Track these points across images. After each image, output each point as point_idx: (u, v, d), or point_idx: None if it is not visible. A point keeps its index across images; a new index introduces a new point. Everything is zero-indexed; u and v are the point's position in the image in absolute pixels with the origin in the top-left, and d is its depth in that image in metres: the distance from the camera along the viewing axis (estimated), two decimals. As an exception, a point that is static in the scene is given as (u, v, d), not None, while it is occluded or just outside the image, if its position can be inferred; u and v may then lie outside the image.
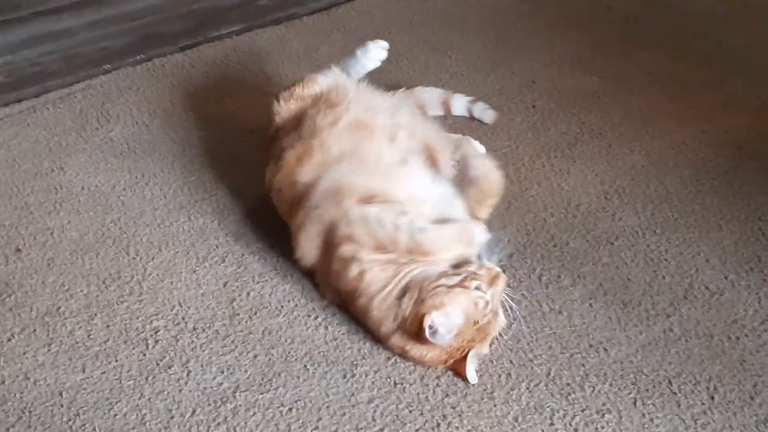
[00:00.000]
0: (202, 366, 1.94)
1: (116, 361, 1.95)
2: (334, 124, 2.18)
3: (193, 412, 1.85)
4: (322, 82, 2.36)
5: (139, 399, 1.87)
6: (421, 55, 3.05)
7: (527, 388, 1.92)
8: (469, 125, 2.69)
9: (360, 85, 2.39)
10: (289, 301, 2.09)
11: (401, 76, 2.92)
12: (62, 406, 1.85)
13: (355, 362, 1.96)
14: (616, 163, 2.56)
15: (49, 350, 1.97)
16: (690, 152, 2.60)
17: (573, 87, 2.89)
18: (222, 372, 1.93)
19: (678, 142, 2.64)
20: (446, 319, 1.88)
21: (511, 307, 1.98)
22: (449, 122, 2.69)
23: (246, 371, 1.93)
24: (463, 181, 2.16)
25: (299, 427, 1.82)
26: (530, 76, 2.94)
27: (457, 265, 1.97)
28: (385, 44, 2.52)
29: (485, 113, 2.71)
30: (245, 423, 1.83)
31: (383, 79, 2.84)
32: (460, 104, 2.72)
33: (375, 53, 2.52)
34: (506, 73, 2.96)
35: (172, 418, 1.84)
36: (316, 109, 2.24)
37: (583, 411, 1.87)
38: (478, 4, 3.41)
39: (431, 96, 2.71)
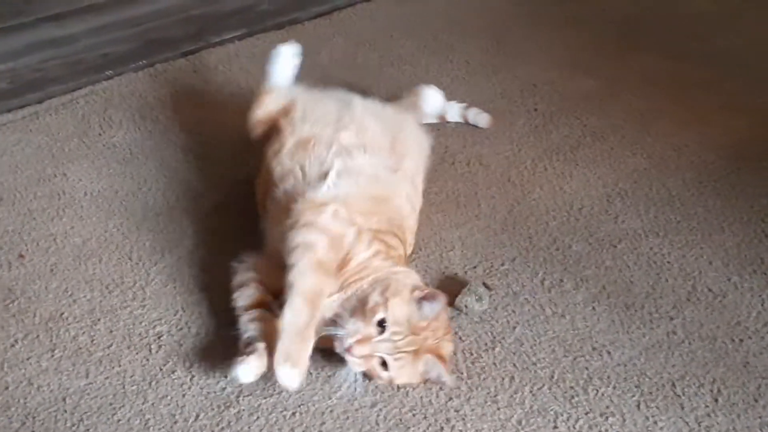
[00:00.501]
0: (205, 371, 1.94)
1: (119, 366, 1.95)
2: (277, 154, 2.19)
3: (197, 416, 1.85)
4: (270, 102, 2.35)
5: (143, 404, 1.87)
6: (423, 58, 3.05)
7: (530, 392, 1.92)
8: (466, 131, 2.69)
9: (307, 96, 2.35)
10: (292, 306, 2.09)
11: (403, 79, 2.92)
12: (66, 411, 1.85)
13: (358, 366, 1.96)
14: (618, 166, 2.56)
15: (52, 356, 1.97)
16: (692, 154, 2.61)
17: (574, 90, 2.89)
18: (225, 376, 1.92)
19: (679, 145, 2.64)
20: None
21: None
22: (446, 130, 2.69)
23: (249, 376, 1.93)
24: None
25: (303, 432, 1.83)
26: (531, 80, 2.94)
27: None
28: (293, 44, 2.44)
29: (479, 117, 2.71)
30: (249, 428, 1.83)
31: (384, 84, 2.86)
32: (453, 111, 2.72)
33: (286, 54, 2.43)
34: (507, 76, 2.96)
35: (175, 423, 1.84)
36: (269, 141, 2.27)
37: (586, 414, 1.87)
38: (479, 8, 3.41)
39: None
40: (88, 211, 2.36)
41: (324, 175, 2.07)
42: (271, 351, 1.84)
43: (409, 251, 2.15)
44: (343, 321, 1.87)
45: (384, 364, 1.86)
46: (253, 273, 2.02)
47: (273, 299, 1.96)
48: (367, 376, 1.89)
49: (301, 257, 1.88)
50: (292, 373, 1.80)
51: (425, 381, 1.91)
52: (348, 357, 1.85)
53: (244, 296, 1.98)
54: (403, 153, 2.26)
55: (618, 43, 3.16)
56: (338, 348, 1.86)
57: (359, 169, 2.10)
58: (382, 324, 1.85)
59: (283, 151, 2.18)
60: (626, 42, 3.16)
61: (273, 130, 2.30)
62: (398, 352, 1.85)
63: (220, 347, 1.99)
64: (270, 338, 1.87)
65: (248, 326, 1.92)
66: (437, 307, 1.89)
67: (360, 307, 1.87)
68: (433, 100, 2.60)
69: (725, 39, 3.19)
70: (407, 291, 1.90)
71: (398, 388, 1.91)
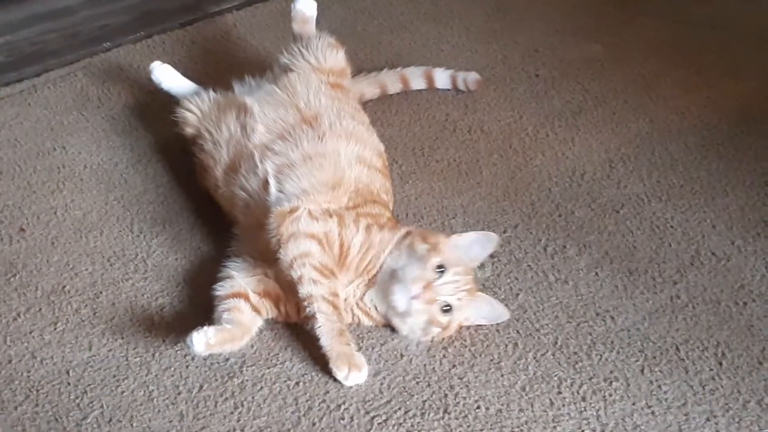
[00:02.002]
0: (208, 342, 1.94)
1: (122, 338, 1.95)
2: (216, 188, 2.18)
3: (201, 387, 1.85)
4: (188, 120, 2.33)
5: (146, 376, 1.87)
6: (422, 26, 3.02)
7: (534, 358, 1.92)
8: (466, 99, 2.67)
9: (203, 116, 2.30)
10: (294, 276, 2.08)
11: (402, 47, 2.90)
12: (69, 384, 1.85)
13: (361, 335, 1.96)
14: (621, 131, 2.55)
15: (55, 329, 1.97)
16: (695, 118, 2.59)
17: (576, 55, 2.87)
18: (228, 347, 1.93)
19: (682, 109, 2.62)
20: None
21: None
22: (446, 98, 2.68)
23: (252, 346, 1.93)
24: None
25: (306, 401, 1.82)
26: (533, 45, 2.92)
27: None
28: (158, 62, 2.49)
29: (469, 78, 2.68)
30: (252, 397, 1.83)
31: (383, 52, 2.84)
32: (442, 78, 2.70)
33: (160, 70, 2.47)
34: (508, 42, 2.93)
35: (179, 394, 1.84)
36: (203, 177, 2.27)
37: (590, 379, 1.87)
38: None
39: (413, 71, 2.69)
40: (88, 184, 2.35)
41: (265, 185, 2.05)
42: (232, 337, 1.88)
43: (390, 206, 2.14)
44: (397, 277, 1.90)
45: (444, 309, 1.89)
46: (237, 267, 2.02)
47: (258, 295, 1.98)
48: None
49: (302, 268, 1.89)
50: (358, 375, 1.85)
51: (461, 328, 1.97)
52: (416, 305, 1.88)
53: (225, 287, 1.98)
54: (316, 113, 2.16)
55: (620, 8, 3.12)
56: (400, 301, 1.89)
57: (291, 161, 2.05)
58: (439, 268, 1.89)
59: (219, 184, 2.16)
60: (629, 6, 3.13)
61: (200, 167, 2.26)
62: (459, 292, 1.89)
63: (223, 318, 1.99)
64: (240, 327, 1.90)
65: (222, 315, 1.92)
66: (490, 245, 1.98)
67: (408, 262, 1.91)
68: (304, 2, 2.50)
69: (729, 2, 3.15)
70: (443, 236, 1.95)
71: (434, 342, 1.95)
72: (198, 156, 2.25)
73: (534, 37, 2.96)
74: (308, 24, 2.49)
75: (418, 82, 2.68)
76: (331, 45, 2.39)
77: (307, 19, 2.49)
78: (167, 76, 2.47)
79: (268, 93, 2.25)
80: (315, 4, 2.50)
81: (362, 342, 1.94)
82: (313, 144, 2.08)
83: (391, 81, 2.65)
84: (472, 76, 2.68)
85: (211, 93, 2.33)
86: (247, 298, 1.95)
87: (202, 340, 1.82)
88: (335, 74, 2.35)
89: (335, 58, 2.38)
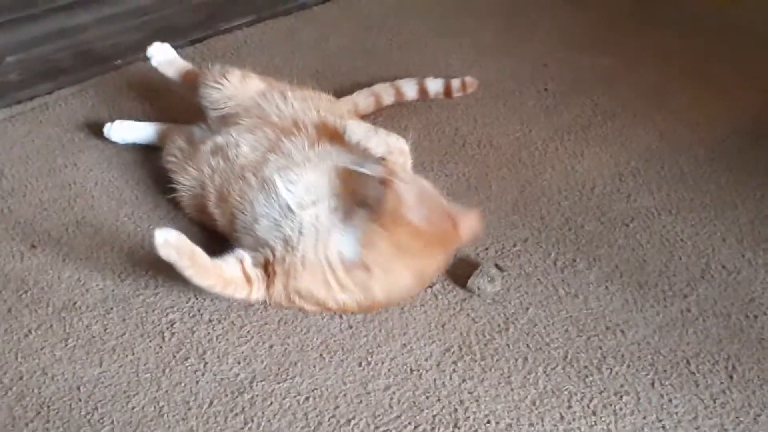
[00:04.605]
0: (218, 357, 1.94)
1: (133, 354, 1.96)
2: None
3: (211, 403, 1.85)
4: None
5: (157, 391, 1.88)
6: (431, 41, 3.03)
7: (544, 372, 1.92)
8: (476, 113, 2.67)
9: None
10: (304, 291, 2.09)
11: (410, 63, 2.90)
12: (80, 400, 1.86)
13: (370, 350, 1.96)
14: (630, 144, 2.55)
15: (66, 345, 1.97)
16: (704, 131, 2.59)
17: (585, 68, 2.87)
18: (238, 362, 1.93)
19: (692, 122, 2.62)
20: None
21: None
22: (455, 113, 2.68)
23: (262, 361, 1.93)
24: None
25: (316, 416, 1.83)
26: (542, 60, 2.92)
27: None
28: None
29: (467, 80, 2.70)
30: (262, 413, 1.83)
31: (392, 68, 2.85)
32: (434, 85, 2.70)
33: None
34: (517, 57, 2.94)
35: (189, 409, 1.84)
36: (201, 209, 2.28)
37: (600, 393, 1.87)
38: (488, -12, 3.39)
39: (406, 82, 2.69)
40: (99, 201, 2.36)
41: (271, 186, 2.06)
42: (193, 253, 1.95)
43: None
44: None
45: None
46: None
47: None
48: None
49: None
50: None
51: None
52: None
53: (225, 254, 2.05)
54: (293, 119, 2.20)
55: (630, 20, 3.14)
56: None
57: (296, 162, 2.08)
58: None
59: (216, 218, 2.18)
60: (639, 18, 3.14)
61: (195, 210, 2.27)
62: None
63: (233, 333, 1.99)
64: (214, 264, 1.98)
65: None
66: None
67: None
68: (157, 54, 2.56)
69: (741, 14, 3.16)
70: None
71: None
72: (190, 202, 2.27)
73: (542, 52, 2.97)
74: (176, 62, 2.56)
75: (411, 92, 2.68)
76: (245, 76, 2.39)
77: (171, 60, 2.56)
78: (126, 131, 2.52)
79: (231, 125, 2.26)
80: (167, 46, 2.56)
81: (371, 357, 1.94)
82: (311, 151, 2.10)
83: (384, 91, 2.65)
84: (469, 78, 2.68)
85: (178, 141, 2.36)
86: (242, 263, 2.00)
87: (164, 235, 1.90)
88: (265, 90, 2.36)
89: (250, 81, 2.39)
